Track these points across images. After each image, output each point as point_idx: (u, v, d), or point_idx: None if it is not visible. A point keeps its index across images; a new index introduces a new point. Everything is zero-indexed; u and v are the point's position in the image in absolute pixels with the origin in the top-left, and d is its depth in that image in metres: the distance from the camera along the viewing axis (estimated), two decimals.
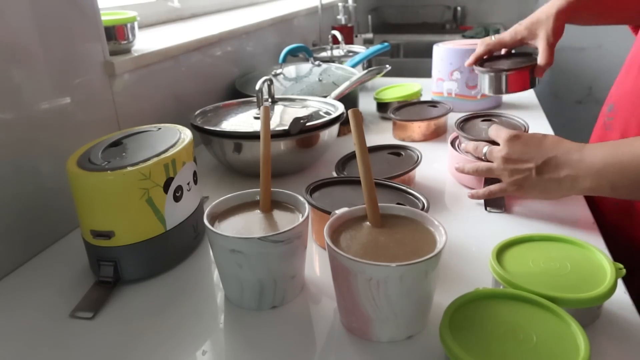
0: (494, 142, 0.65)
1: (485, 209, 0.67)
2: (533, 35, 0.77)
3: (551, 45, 0.75)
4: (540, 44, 0.75)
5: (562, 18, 0.74)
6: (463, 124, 0.79)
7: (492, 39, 0.83)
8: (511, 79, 0.79)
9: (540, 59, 0.76)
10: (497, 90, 0.82)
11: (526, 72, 0.78)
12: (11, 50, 0.56)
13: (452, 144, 0.78)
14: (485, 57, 0.85)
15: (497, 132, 0.64)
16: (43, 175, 0.61)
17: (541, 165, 0.58)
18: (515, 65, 0.79)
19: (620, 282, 0.50)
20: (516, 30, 0.79)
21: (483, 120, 0.79)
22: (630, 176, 0.52)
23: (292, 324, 0.48)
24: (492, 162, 0.63)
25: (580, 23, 0.78)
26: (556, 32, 0.74)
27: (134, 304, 0.51)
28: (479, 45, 0.84)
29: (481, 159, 0.67)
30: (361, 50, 1.35)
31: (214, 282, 0.55)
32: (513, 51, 0.85)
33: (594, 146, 0.56)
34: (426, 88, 1.12)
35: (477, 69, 0.83)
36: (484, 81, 0.82)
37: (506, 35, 0.81)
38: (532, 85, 0.80)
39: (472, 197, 0.67)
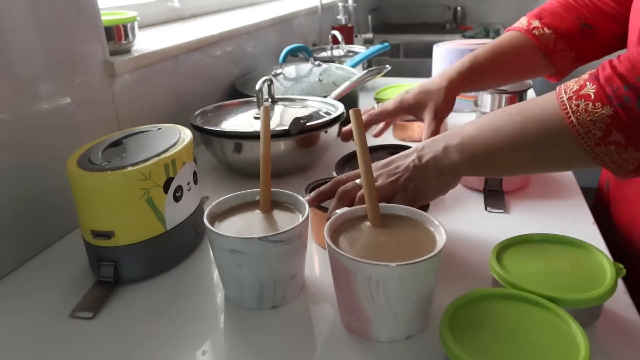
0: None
1: (486, 209, 0.67)
2: (421, 106, 0.71)
3: (439, 120, 0.70)
4: (427, 117, 0.70)
5: (454, 91, 0.70)
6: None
7: (375, 107, 0.75)
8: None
9: (425, 134, 0.69)
10: None
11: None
12: (11, 50, 0.56)
13: None
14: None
15: (349, 177, 0.56)
16: (43, 176, 0.61)
17: (419, 153, 0.53)
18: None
19: (620, 282, 0.50)
20: (403, 98, 0.72)
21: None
22: (501, 137, 0.49)
23: (292, 324, 0.48)
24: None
25: (471, 91, 0.75)
26: (445, 106, 0.70)
27: (134, 304, 0.51)
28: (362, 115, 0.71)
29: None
30: (361, 50, 1.35)
31: (214, 282, 0.55)
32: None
33: (468, 122, 0.53)
34: None
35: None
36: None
37: (390, 104, 0.73)
38: None
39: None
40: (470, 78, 0.71)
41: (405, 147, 0.73)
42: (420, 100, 0.71)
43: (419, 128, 0.92)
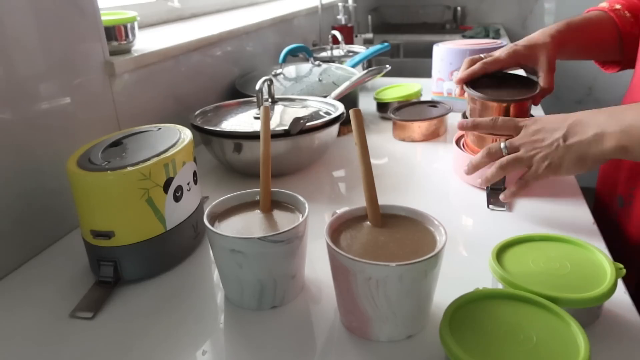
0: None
1: (488, 206, 0.66)
2: (534, 59, 0.72)
3: (552, 72, 0.71)
4: (543, 68, 0.71)
5: (556, 48, 0.72)
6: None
7: (483, 56, 0.75)
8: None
9: (545, 83, 0.71)
10: None
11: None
12: (11, 50, 0.56)
13: (457, 142, 0.77)
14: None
15: (505, 122, 0.61)
16: (43, 175, 0.61)
17: (567, 132, 0.55)
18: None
19: (620, 282, 0.50)
20: (515, 50, 0.73)
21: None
22: None
23: (292, 324, 0.48)
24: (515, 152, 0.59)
25: (563, 57, 0.76)
26: (554, 60, 0.71)
27: (134, 304, 0.51)
28: (471, 63, 0.74)
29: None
30: (361, 50, 1.35)
31: (214, 282, 0.55)
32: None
33: (624, 106, 0.54)
34: (426, 88, 1.12)
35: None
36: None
37: (503, 53, 0.73)
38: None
39: (485, 183, 0.62)
40: (568, 36, 0.73)
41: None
42: (532, 52, 0.72)
43: (419, 128, 0.92)
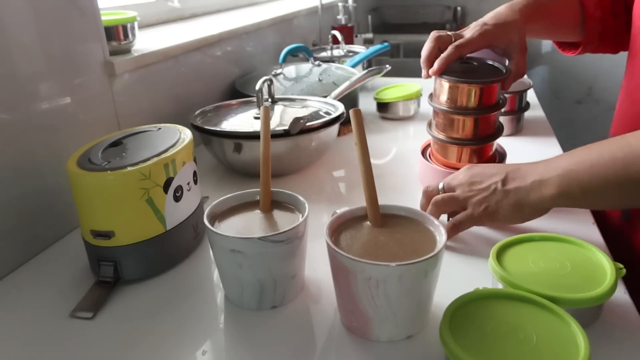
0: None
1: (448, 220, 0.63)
2: (505, 39, 0.67)
3: (525, 51, 0.67)
4: (515, 49, 0.66)
5: (525, 23, 0.67)
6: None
7: (450, 34, 0.68)
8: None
9: (517, 66, 0.66)
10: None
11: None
12: (11, 50, 0.56)
13: (423, 153, 0.75)
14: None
15: (446, 195, 0.58)
16: (43, 176, 0.61)
17: (505, 177, 0.54)
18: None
19: (620, 282, 0.50)
20: (486, 30, 0.67)
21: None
22: (601, 173, 0.47)
23: (292, 324, 0.48)
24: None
25: (530, 35, 0.71)
26: (524, 38, 0.67)
27: (134, 304, 0.51)
28: (439, 40, 0.67)
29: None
30: (361, 50, 1.35)
31: (214, 282, 0.55)
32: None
33: (560, 155, 0.54)
34: (426, 88, 1.12)
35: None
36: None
37: (474, 35, 0.67)
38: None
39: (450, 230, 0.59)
40: (536, 12, 0.70)
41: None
42: (503, 32, 0.67)
43: None
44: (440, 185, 0.60)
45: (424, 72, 0.68)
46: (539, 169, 0.53)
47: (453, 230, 0.58)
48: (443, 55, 0.66)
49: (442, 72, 0.66)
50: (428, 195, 0.61)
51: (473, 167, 0.59)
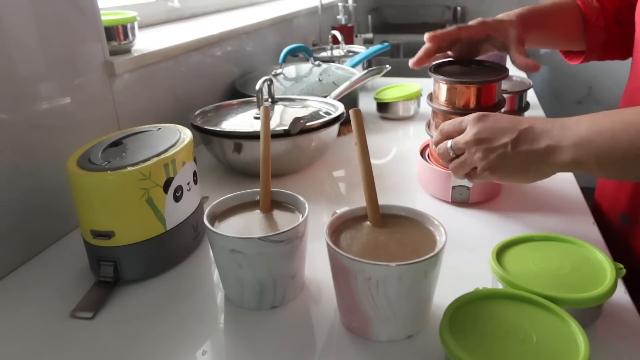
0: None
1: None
2: (503, 31, 0.66)
3: (523, 44, 0.65)
4: (513, 39, 0.66)
5: (523, 29, 0.67)
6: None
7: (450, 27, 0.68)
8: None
9: (516, 56, 0.65)
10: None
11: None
12: (11, 50, 0.56)
13: (422, 153, 0.75)
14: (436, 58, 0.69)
15: (456, 122, 0.56)
16: (43, 176, 0.61)
17: (516, 138, 0.50)
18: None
19: (620, 282, 0.50)
20: (484, 21, 0.67)
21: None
22: (622, 147, 0.45)
23: (292, 324, 0.48)
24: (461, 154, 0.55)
25: (529, 44, 0.70)
26: (522, 35, 0.66)
27: (134, 304, 0.51)
28: (435, 40, 0.67)
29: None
30: (361, 50, 1.35)
31: (214, 282, 0.55)
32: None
33: (577, 117, 0.49)
34: (426, 88, 1.12)
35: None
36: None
37: (474, 23, 0.67)
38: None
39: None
40: (533, 22, 0.69)
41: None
42: (501, 26, 0.67)
43: None
44: (449, 145, 0.56)
45: (413, 60, 0.67)
46: (554, 131, 0.49)
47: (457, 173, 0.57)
48: (444, 30, 0.67)
49: (439, 70, 0.67)
50: (442, 156, 0.57)
51: (482, 118, 0.53)
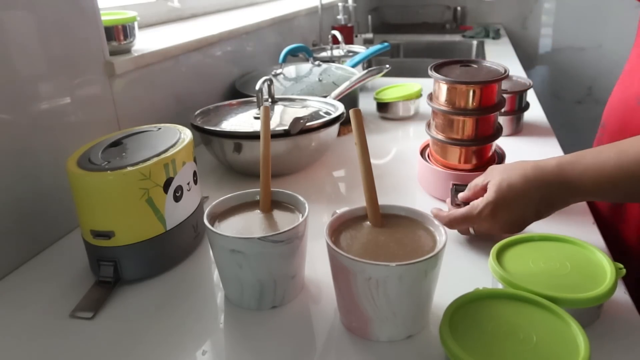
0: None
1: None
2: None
3: None
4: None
5: None
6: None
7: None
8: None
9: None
10: None
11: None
12: (11, 50, 0.56)
13: (422, 153, 0.74)
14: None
15: (463, 217, 0.56)
16: (43, 176, 0.61)
17: (539, 212, 0.53)
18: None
19: (620, 282, 0.50)
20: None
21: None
22: (625, 189, 0.49)
23: (292, 324, 0.48)
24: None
25: None
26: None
27: (134, 304, 0.51)
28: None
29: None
30: (361, 50, 1.35)
31: (214, 282, 0.55)
32: None
33: (580, 170, 0.50)
34: (426, 88, 1.12)
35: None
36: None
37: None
38: None
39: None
40: None
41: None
42: None
43: None
44: (471, 231, 0.58)
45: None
46: (564, 194, 0.51)
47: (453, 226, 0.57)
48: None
49: (439, 70, 0.66)
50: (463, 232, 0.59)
51: (497, 206, 0.53)
